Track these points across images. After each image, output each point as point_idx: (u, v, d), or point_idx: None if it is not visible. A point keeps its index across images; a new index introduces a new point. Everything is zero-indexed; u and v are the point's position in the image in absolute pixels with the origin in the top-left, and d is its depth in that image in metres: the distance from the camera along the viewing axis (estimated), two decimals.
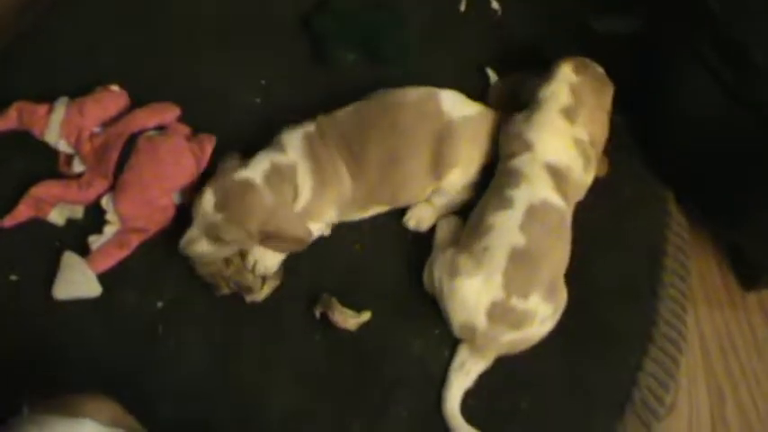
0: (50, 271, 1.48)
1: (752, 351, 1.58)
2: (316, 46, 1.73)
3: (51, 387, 1.28)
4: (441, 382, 1.42)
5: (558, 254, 1.43)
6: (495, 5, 1.82)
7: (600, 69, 1.56)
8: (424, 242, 1.53)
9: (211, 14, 1.79)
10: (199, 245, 1.41)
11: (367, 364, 1.43)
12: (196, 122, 1.60)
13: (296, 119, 1.53)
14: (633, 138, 1.65)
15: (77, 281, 1.47)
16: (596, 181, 1.54)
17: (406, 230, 1.55)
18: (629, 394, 1.44)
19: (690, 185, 1.60)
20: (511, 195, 1.43)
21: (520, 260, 1.38)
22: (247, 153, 1.49)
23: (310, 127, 1.50)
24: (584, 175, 1.49)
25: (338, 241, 1.54)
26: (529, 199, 1.42)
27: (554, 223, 1.43)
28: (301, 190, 1.45)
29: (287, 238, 1.42)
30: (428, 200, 1.54)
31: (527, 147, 1.47)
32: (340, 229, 1.54)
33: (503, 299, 1.37)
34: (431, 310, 1.45)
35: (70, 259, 1.48)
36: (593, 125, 1.51)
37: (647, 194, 1.62)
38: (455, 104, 1.51)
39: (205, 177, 1.50)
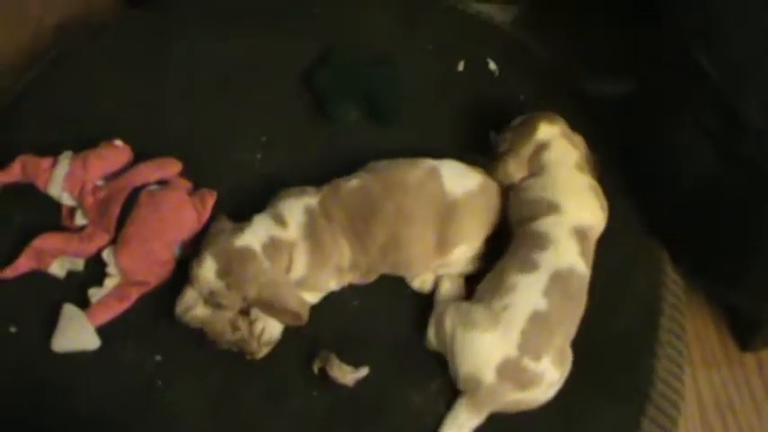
0: (50, 323, 1.48)
1: (750, 411, 1.58)
2: (317, 101, 1.75)
3: None
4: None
5: (574, 320, 1.44)
6: (492, 66, 1.85)
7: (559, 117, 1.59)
8: (422, 299, 1.53)
9: (213, 69, 1.81)
10: (196, 311, 1.41)
11: (365, 418, 1.42)
12: (197, 177, 1.62)
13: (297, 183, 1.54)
14: (628, 198, 1.66)
15: (76, 333, 1.47)
16: None
17: (404, 287, 1.55)
18: None
19: (686, 246, 1.60)
20: (536, 259, 1.43)
21: (539, 323, 1.38)
22: (245, 210, 1.50)
23: (313, 200, 1.49)
24: (602, 220, 1.52)
25: (337, 298, 1.53)
26: (555, 264, 1.42)
27: (575, 291, 1.44)
28: (296, 264, 1.45)
29: (283, 309, 1.42)
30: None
31: (552, 209, 1.47)
32: None
33: (516, 357, 1.36)
34: (428, 365, 1.46)
35: (70, 312, 1.48)
36: (593, 171, 1.55)
37: (642, 254, 1.63)
38: (456, 180, 1.51)
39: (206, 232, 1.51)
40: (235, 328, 1.43)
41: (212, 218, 1.55)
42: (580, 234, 1.46)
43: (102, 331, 1.47)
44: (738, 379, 1.59)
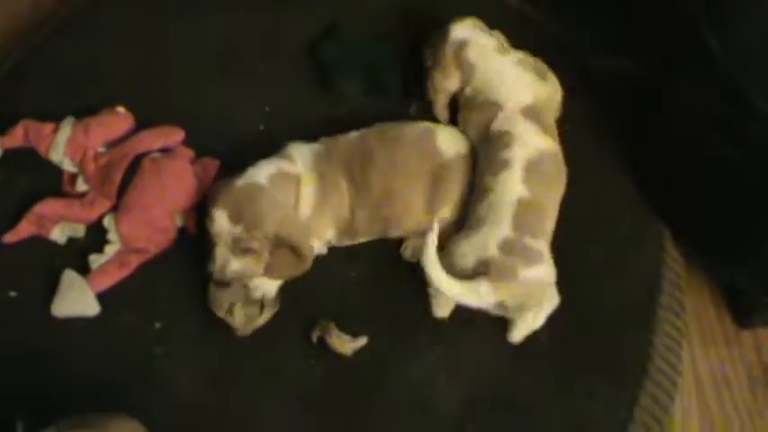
0: (49, 288, 1.48)
1: (746, 388, 1.58)
2: (322, 74, 1.75)
3: (46, 404, 1.30)
4: (436, 407, 1.42)
5: (557, 201, 1.49)
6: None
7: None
8: (418, 270, 1.53)
9: (217, 38, 1.80)
10: (231, 265, 1.41)
11: (363, 389, 1.43)
12: (199, 146, 1.62)
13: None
14: (629, 176, 1.66)
15: (76, 299, 1.47)
16: (593, 217, 1.56)
17: (400, 258, 1.55)
18: (625, 429, 1.44)
19: (686, 223, 1.60)
20: (504, 157, 1.46)
21: (526, 208, 1.42)
22: None
23: (317, 145, 1.53)
24: (547, 90, 1.56)
25: (335, 268, 1.54)
26: (524, 155, 1.46)
27: (552, 173, 1.48)
28: (302, 202, 1.47)
29: (297, 249, 1.43)
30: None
31: (496, 106, 1.52)
32: (336, 256, 1.55)
33: (514, 237, 1.40)
34: (426, 336, 1.47)
35: (70, 277, 1.49)
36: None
37: (643, 231, 1.63)
38: (450, 142, 1.54)
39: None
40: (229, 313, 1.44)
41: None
42: (532, 113, 1.50)
43: (102, 297, 1.48)
44: (735, 357, 1.59)
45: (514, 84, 1.54)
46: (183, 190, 1.54)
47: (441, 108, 1.62)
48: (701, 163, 1.51)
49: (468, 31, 1.58)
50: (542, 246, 1.42)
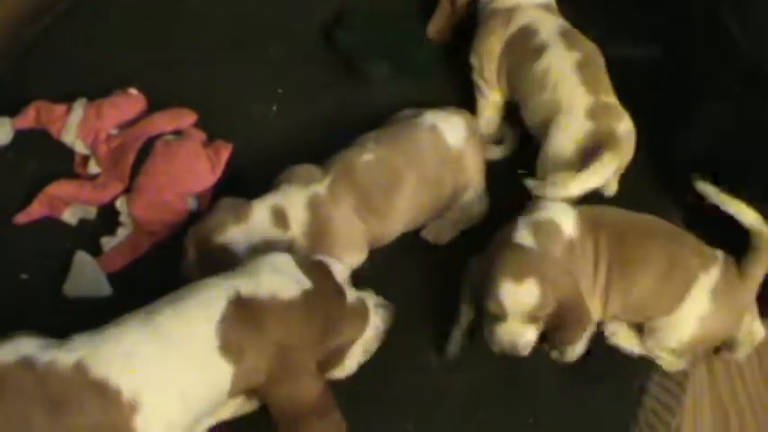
0: (61, 270, 1.48)
1: (758, 377, 1.57)
2: (345, 60, 1.74)
3: None
4: (450, 395, 1.42)
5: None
6: None
7: None
8: (435, 257, 1.54)
9: (229, 20, 1.80)
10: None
11: (379, 375, 1.40)
12: (212, 128, 1.62)
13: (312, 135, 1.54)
14: (645, 161, 1.65)
15: (88, 280, 1.47)
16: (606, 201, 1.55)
17: (418, 246, 1.54)
18: (635, 416, 1.44)
19: (701, 208, 1.59)
20: (538, 42, 1.56)
21: (585, 67, 1.51)
22: (259, 162, 1.51)
23: (319, 186, 1.44)
24: None
25: None
26: (553, 30, 1.58)
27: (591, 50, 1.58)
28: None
29: None
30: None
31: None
32: None
33: (593, 99, 1.48)
34: (441, 324, 1.46)
35: (82, 259, 1.49)
36: None
37: (659, 216, 1.62)
38: (452, 132, 1.53)
39: (220, 185, 1.53)
40: None
41: (227, 170, 1.55)
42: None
43: (113, 278, 1.48)
44: None
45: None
46: (196, 173, 1.53)
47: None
48: (721, 151, 1.51)
49: None
50: (614, 99, 1.51)
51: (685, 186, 1.46)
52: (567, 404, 1.44)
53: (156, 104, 1.62)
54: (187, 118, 1.60)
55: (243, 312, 1.14)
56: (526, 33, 1.59)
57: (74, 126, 1.56)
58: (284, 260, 1.21)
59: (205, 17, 1.80)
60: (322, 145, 1.50)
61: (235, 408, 1.30)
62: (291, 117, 1.63)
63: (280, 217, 1.41)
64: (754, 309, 1.43)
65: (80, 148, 1.57)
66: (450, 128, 1.53)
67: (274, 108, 1.69)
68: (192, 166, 1.53)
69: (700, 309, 1.38)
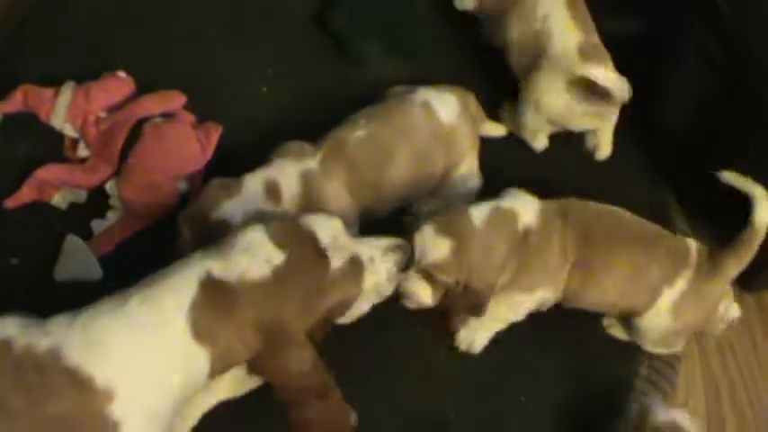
0: (51, 254, 1.48)
1: (749, 351, 1.59)
2: (337, 42, 1.73)
3: None
4: (440, 372, 1.43)
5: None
6: None
7: None
8: None
9: (218, 3, 1.80)
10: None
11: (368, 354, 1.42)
12: (202, 109, 1.61)
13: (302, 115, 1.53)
14: (639, 142, 1.66)
15: (79, 263, 1.47)
16: (602, 186, 1.54)
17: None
18: (628, 398, 1.46)
19: (690, 183, 1.60)
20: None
21: (574, 7, 1.55)
22: (249, 142, 1.50)
23: (311, 161, 1.44)
24: None
25: None
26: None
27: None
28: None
29: None
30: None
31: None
32: None
33: (584, 38, 1.51)
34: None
35: (72, 242, 1.49)
36: None
37: (647, 200, 1.62)
38: (444, 108, 1.53)
39: (210, 166, 1.52)
40: None
41: (217, 152, 1.55)
42: None
43: (104, 261, 1.48)
44: (739, 321, 1.60)
45: None
46: (186, 155, 1.53)
47: None
48: (704, 119, 1.52)
49: None
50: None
51: (671, 158, 1.46)
52: (559, 384, 1.45)
53: (144, 87, 1.61)
54: (176, 100, 1.59)
55: (214, 296, 1.12)
56: None
57: (62, 109, 1.55)
58: (257, 237, 1.18)
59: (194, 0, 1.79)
60: (313, 125, 1.49)
61: (234, 387, 1.30)
62: (282, 98, 1.62)
63: (272, 190, 1.40)
64: (730, 291, 1.42)
65: (69, 131, 1.56)
66: (442, 104, 1.53)
67: (264, 89, 1.68)
68: (182, 148, 1.53)
69: (665, 319, 1.39)
